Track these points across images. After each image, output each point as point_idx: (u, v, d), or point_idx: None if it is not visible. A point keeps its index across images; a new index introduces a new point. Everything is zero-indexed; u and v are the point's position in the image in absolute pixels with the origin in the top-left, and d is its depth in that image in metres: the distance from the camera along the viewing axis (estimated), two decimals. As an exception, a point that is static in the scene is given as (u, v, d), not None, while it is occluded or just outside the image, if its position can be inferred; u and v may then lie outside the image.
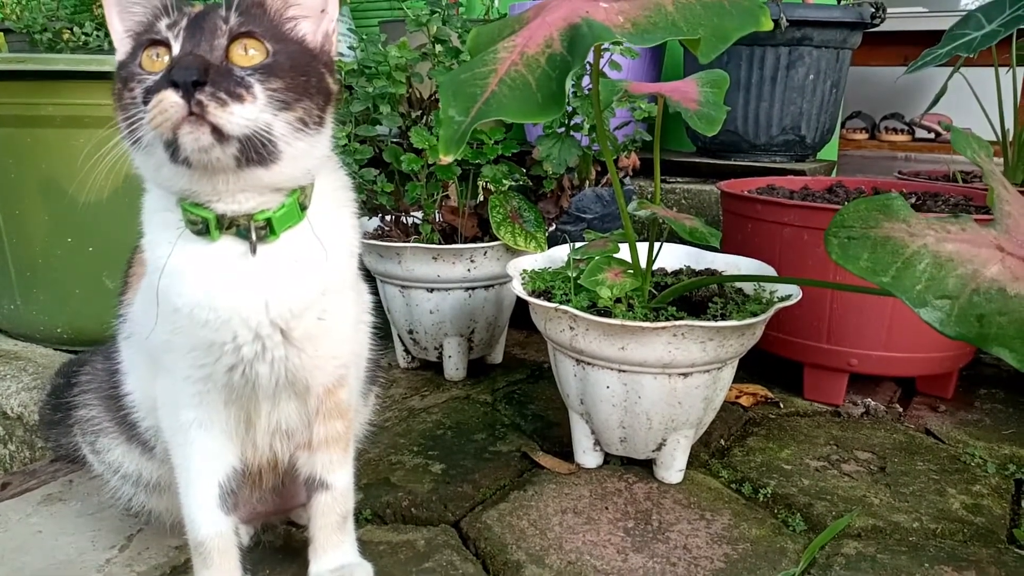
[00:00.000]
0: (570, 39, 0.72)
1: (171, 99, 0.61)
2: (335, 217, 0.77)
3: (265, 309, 0.71)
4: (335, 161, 0.80)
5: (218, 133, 0.62)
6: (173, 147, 0.64)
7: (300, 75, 0.67)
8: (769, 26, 0.83)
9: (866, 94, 3.48)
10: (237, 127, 0.62)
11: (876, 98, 3.54)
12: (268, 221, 0.70)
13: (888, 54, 2.97)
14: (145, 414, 0.86)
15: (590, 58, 1.00)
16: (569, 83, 0.80)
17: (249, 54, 0.65)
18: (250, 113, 0.63)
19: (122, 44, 0.70)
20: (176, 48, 0.65)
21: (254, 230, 0.70)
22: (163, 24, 0.66)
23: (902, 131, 3.42)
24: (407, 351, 1.60)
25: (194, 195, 0.69)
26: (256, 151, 0.65)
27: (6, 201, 1.51)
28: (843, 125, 3.34)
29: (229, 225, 0.70)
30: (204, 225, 0.69)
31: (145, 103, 0.63)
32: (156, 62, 0.65)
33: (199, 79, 0.60)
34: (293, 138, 0.67)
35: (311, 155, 0.71)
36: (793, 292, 1.12)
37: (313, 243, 0.73)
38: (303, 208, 0.73)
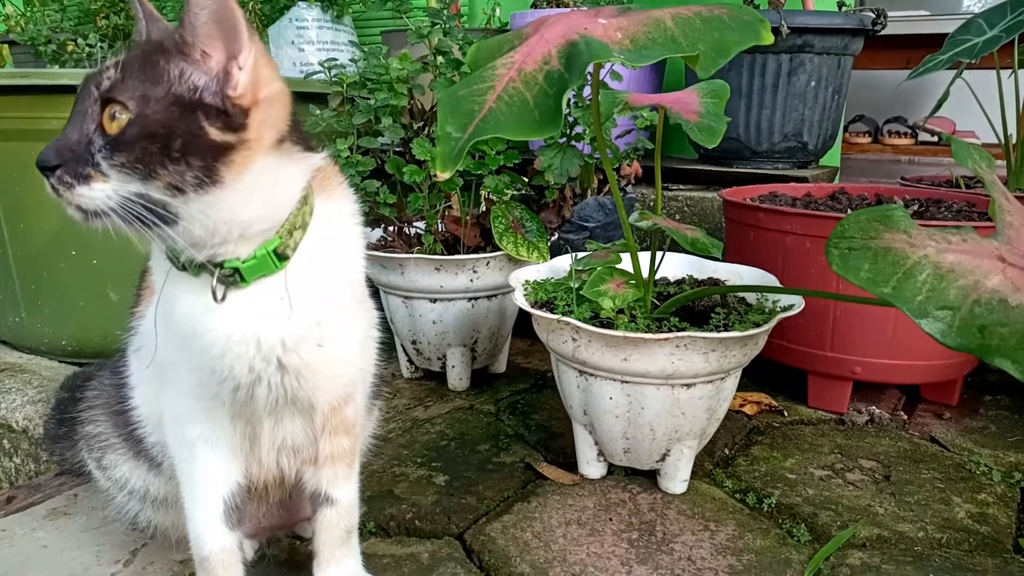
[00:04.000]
0: (568, 56, 0.72)
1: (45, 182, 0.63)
2: (333, 249, 0.76)
3: (256, 344, 0.71)
4: (337, 184, 0.78)
5: (81, 209, 0.63)
6: None
7: (154, 142, 0.62)
8: (770, 39, 0.83)
9: (869, 98, 3.47)
10: (91, 204, 0.62)
11: (879, 102, 3.53)
12: (237, 270, 0.69)
13: (891, 57, 2.96)
14: (152, 429, 0.87)
15: (591, 69, 1.00)
16: (568, 97, 0.80)
17: (116, 121, 0.62)
18: (99, 192, 0.62)
19: None
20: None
21: (217, 278, 0.69)
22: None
23: (905, 134, 3.41)
24: (410, 361, 1.60)
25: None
26: (144, 215, 0.63)
27: (11, 214, 1.52)
28: (846, 129, 3.33)
29: (203, 266, 0.69)
30: (180, 264, 0.70)
31: None
32: None
33: (52, 164, 0.62)
34: (180, 202, 0.63)
35: (223, 213, 0.66)
36: (796, 302, 1.12)
37: (302, 278, 0.72)
38: (283, 258, 0.71)
